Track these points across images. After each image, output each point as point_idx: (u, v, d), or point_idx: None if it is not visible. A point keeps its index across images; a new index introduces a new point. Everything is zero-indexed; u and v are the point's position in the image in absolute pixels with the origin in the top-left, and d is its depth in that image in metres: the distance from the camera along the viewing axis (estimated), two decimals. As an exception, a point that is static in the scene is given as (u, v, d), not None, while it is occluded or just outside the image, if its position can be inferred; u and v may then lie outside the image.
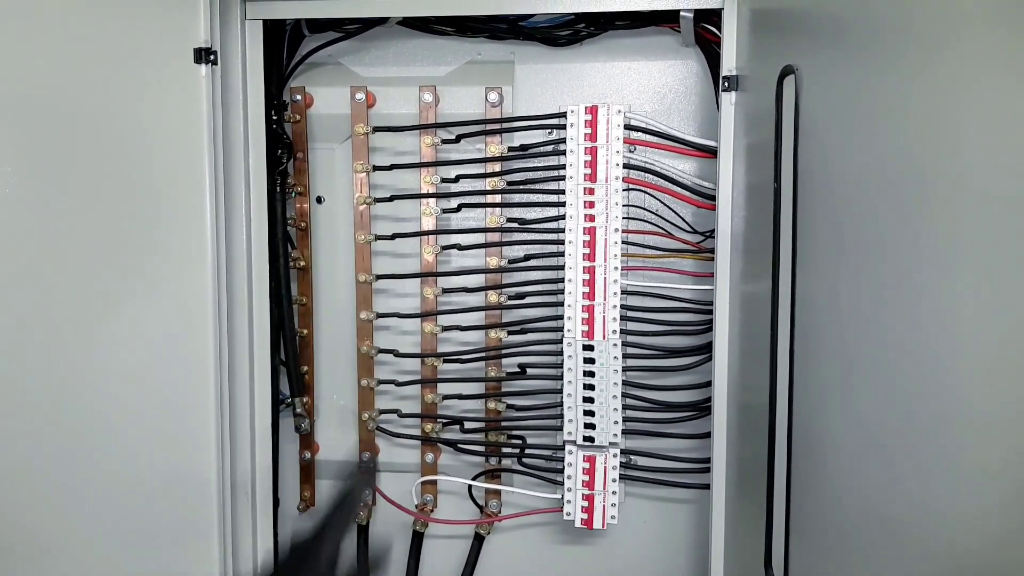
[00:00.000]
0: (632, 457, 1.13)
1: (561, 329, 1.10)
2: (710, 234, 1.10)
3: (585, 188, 1.04)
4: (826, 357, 0.77)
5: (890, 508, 0.65)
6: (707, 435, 1.10)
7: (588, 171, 1.04)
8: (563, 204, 1.07)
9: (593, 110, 1.03)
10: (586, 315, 1.06)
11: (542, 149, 1.10)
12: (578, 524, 1.08)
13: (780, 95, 0.86)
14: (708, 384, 1.11)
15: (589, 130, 1.03)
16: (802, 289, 0.82)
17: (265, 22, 1.07)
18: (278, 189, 1.14)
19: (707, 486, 1.07)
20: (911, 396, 0.60)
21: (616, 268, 1.05)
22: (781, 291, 0.86)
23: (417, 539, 1.22)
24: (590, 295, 1.05)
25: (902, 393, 0.62)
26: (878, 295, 0.66)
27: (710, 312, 1.08)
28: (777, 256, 0.87)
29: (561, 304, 1.09)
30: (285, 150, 1.15)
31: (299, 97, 1.17)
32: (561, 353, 1.10)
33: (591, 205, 1.04)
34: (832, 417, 0.76)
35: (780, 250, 0.87)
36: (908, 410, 0.61)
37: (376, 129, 1.15)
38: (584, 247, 1.05)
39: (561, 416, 1.10)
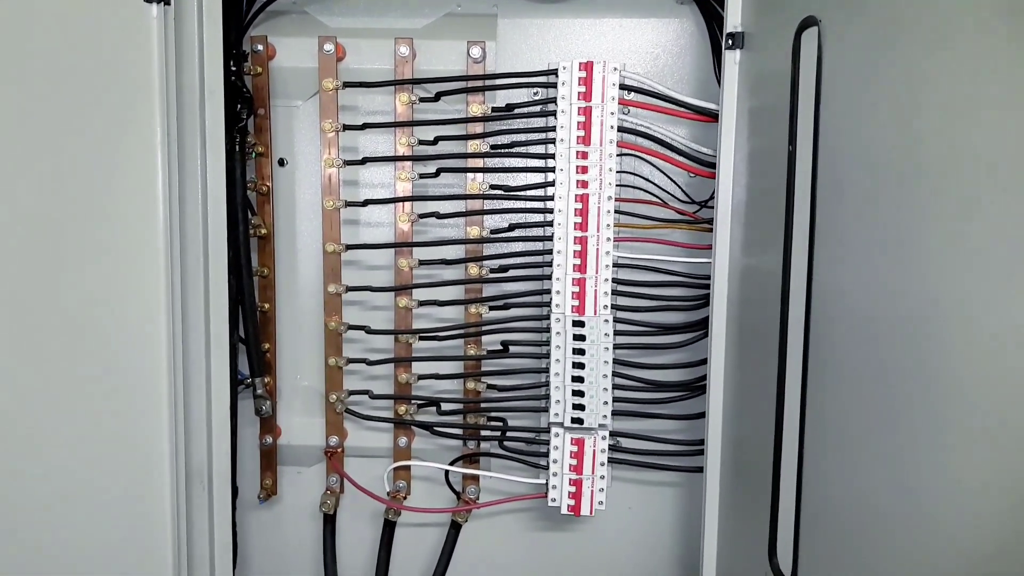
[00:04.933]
0: (619, 439, 1.07)
1: (547, 304, 1.03)
2: (706, 203, 1.04)
3: (578, 152, 0.97)
4: (849, 335, 0.72)
5: (913, 499, 0.61)
6: (697, 416, 1.06)
7: (581, 133, 0.96)
8: (552, 169, 1.00)
9: (588, 67, 0.96)
10: (576, 289, 0.99)
11: (530, 110, 1.02)
12: (564, 511, 1.02)
13: (797, 51, 0.80)
14: (700, 363, 1.05)
15: (583, 88, 0.96)
16: (822, 262, 0.77)
17: (223, -40, 0.96)
18: (237, 148, 1.04)
19: (699, 469, 1.02)
20: (946, 377, 0.56)
21: (609, 239, 0.98)
22: (794, 264, 0.81)
23: (389, 528, 1.14)
24: (581, 267, 0.98)
25: (936, 374, 0.57)
26: (911, 271, 0.61)
27: (705, 287, 1.02)
28: (790, 227, 0.82)
29: (548, 277, 1.02)
30: (245, 105, 1.05)
31: (260, 47, 1.07)
32: (547, 330, 1.03)
33: (583, 170, 0.97)
34: (855, 399, 0.71)
35: (794, 220, 0.81)
36: (943, 393, 0.56)
37: (347, 84, 1.05)
38: (576, 216, 0.98)
39: (546, 397, 1.03)
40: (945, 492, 0.57)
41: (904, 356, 0.62)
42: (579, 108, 0.96)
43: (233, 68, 1.03)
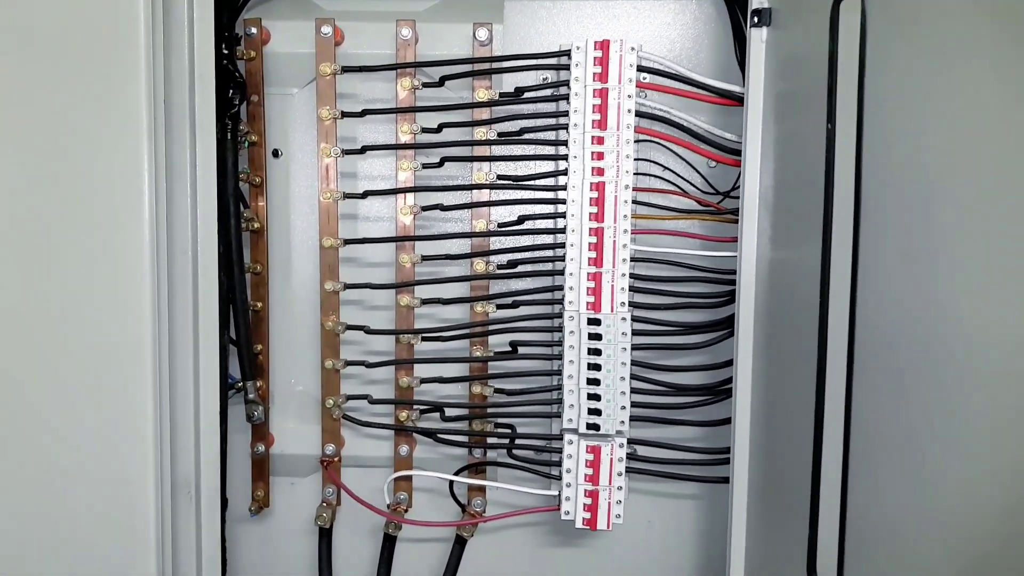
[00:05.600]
0: (635, 447, 1.00)
1: (559, 302, 0.96)
2: (729, 193, 0.97)
3: (593, 137, 0.90)
4: (903, 333, 0.66)
5: (977, 508, 0.54)
6: (720, 422, 0.99)
7: (597, 117, 0.90)
8: (563, 157, 0.93)
9: (604, 46, 0.89)
10: (592, 284, 0.92)
11: (540, 94, 0.95)
12: (579, 524, 0.94)
13: (835, 25, 0.74)
14: (722, 365, 0.99)
15: (599, 69, 0.89)
16: (868, 254, 0.71)
17: (214, -64, 0.90)
18: (228, 136, 0.97)
19: (724, 480, 0.95)
20: (1014, 382, 0.50)
21: (626, 231, 0.91)
22: (835, 257, 0.75)
23: (389, 543, 1.07)
24: (597, 261, 0.91)
25: (1004, 378, 0.51)
26: (973, 266, 0.55)
27: (730, 282, 0.96)
28: (830, 216, 0.75)
29: (559, 273, 0.95)
30: (237, 90, 0.98)
31: (254, 30, 1.01)
32: (559, 329, 0.96)
33: (599, 156, 0.90)
34: (911, 403, 0.64)
35: (834, 209, 0.75)
36: (1011, 397, 0.50)
37: (345, 69, 0.99)
38: (591, 205, 0.91)
39: (559, 401, 0.96)
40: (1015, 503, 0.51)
41: (966, 358, 0.56)
42: (594, 90, 0.89)
43: (225, 51, 0.97)
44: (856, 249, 0.73)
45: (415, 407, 1.03)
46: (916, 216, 0.65)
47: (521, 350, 0.99)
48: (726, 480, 0.94)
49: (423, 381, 1.03)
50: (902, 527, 0.69)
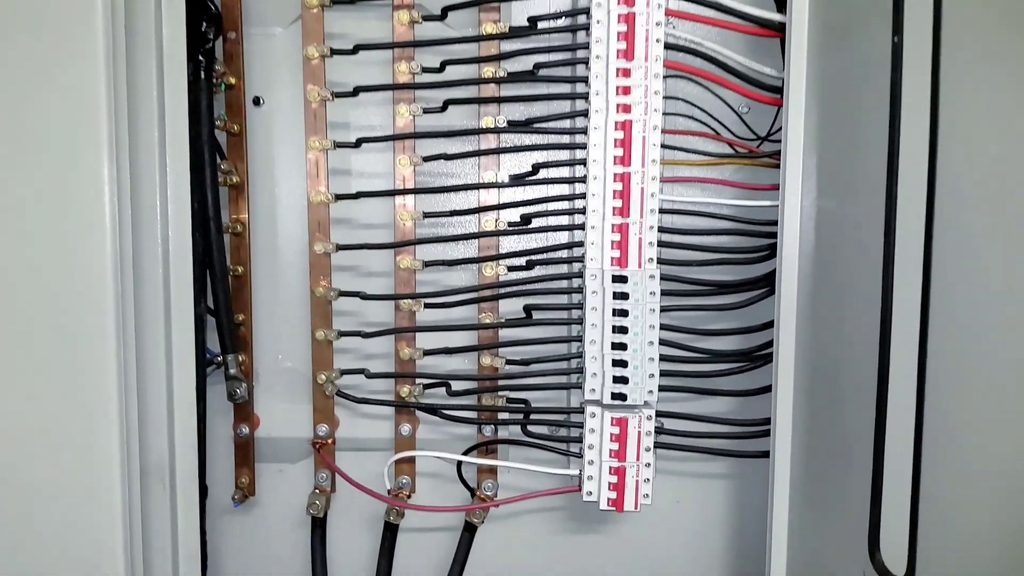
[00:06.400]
0: (662, 420, 0.91)
1: (578, 259, 0.86)
2: (769, 135, 0.88)
3: (619, 69, 0.80)
4: (987, 292, 0.57)
5: None
6: (757, 391, 0.90)
7: (622, 46, 0.79)
8: (583, 96, 0.83)
9: (629, -35, 0.79)
10: (617, 236, 0.82)
11: (557, 23, 0.85)
12: (604, 506, 0.85)
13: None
14: (760, 328, 0.89)
15: (624, -9, 0.79)
16: (947, 198, 0.61)
17: None
18: (203, 75, 0.86)
19: (763, 454, 0.86)
20: None
21: (654, 177, 0.81)
22: (903, 203, 0.66)
23: (390, 532, 0.97)
24: (623, 210, 0.81)
25: None
26: None
27: (769, 235, 0.87)
28: (895, 155, 0.66)
29: (579, 227, 0.85)
30: (212, 24, 0.87)
31: (229, -43, 0.89)
32: (578, 290, 0.86)
33: (626, 91, 0.80)
34: (1001, 368, 0.56)
35: (901, 146, 0.66)
36: None
37: (335, 1, 0.88)
38: (616, 147, 0.81)
39: (580, 370, 0.86)
40: None
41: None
42: (620, 15, 0.79)
43: (196, -21, 0.85)
44: (932, 190, 0.64)
45: (418, 381, 0.93)
46: (1011, 151, 0.56)
47: (536, 315, 0.89)
48: (765, 455, 0.85)
49: (426, 352, 0.92)
50: (985, 503, 0.60)
